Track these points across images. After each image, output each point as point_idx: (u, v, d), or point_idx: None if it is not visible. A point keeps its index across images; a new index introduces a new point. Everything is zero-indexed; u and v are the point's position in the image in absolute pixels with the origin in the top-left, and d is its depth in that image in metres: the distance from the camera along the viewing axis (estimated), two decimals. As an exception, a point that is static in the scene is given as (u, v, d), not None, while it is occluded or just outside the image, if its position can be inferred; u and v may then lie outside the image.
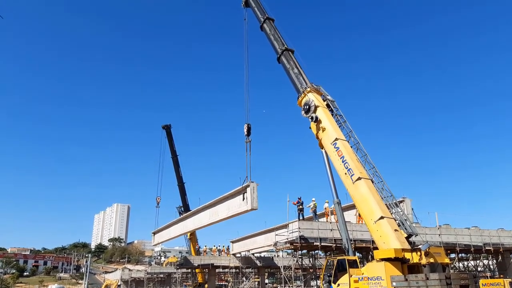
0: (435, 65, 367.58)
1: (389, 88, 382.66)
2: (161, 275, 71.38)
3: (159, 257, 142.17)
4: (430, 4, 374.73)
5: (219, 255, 53.16)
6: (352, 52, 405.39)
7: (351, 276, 16.06)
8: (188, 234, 49.26)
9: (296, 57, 23.47)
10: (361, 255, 25.68)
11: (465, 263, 37.80)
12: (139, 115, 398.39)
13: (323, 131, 19.60)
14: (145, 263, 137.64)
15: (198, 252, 53.13)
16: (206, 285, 48.32)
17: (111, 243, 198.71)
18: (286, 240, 24.10)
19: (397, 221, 16.55)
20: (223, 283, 63.66)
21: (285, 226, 25.19)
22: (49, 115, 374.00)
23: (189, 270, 52.79)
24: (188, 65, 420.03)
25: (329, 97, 20.83)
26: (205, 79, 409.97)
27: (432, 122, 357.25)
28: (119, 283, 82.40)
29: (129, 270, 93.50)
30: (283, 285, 33.68)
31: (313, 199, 27.20)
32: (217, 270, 50.01)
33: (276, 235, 25.93)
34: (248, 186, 21.81)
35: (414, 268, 15.17)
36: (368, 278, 15.23)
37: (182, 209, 50.17)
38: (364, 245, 24.03)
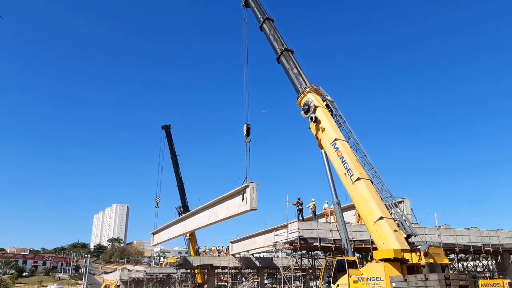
0: (435, 65, 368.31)
1: (389, 88, 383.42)
2: (161, 276, 71.31)
3: (158, 258, 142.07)
4: (430, 4, 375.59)
5: (218, 256, 53.16)
6: (352, 52, 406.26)
7: (350, 276, 16.07)
8: (188, 234, 49.23)
9: (295, 57, 23.49)
10: (360, 256, 25.70)
11: (465, 263, 37.85)
12: (139, 115, 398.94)
13: (322, 131, 19.60)
14: (145, 264, 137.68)
15: (197, 253, 53.11)
16: (206, 286, 48.28)
17: (110, 243, 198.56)
18: (286, 240, 24.09)
19: (396, 221, 16.55)
20: (223, 283, 63.58)
21: (285, 227, 25.17)
22: (49, 115, 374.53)
23: (189, 271, 52.76)
24: (188, 65, 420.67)
25: (328, 98, 20.84)
26: (205, 79, 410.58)
27: (432, 122, 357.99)
28: (118, 284, 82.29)
29: (128, 270, 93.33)
30: (282, 286, 33.66)
31: (313, 199, 27.26)
32: (216, 271, 49.97)
33: (276, 235, 25.91)
34: (247, 186, 21.81)
35: (413, 269, 15.17)
36: (368, 278, 15.23)
37: (182, 209, 50.13)
38: (363, 245, 24.03)
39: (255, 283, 51.15)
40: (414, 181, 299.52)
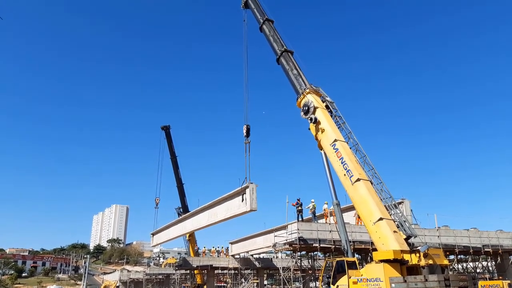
0: (435, 65, 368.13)
1: (389, 88, 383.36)
2: (160, 276, 71.20)
3: (158, 258, 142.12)
4: (430, 4, 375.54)
5: (218, 256, 53.11)
6: (352, 52, 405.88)
7: (350, 277, 16.06)
8: (187, 235, 49.23)
9: (295, 58, 23.54)
10: (360, 257, 25.69)
11: (464, 264, 37.80)
12: (139, 115, 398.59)
13: (322, 132, 19.62)
14: (144, 264, 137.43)
15: (197, 253, 53.09)
16: (205, 287, 48.28)
17: (110, 244, 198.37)
18: (285, 241, 24.04)
19: (396, 222, 16.56)
20: (222, 284, 63.50)
21: (284, 227, 25.14)
22: (49, 115, 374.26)
23: (188, 271, 52.73)
24: (188, 65, 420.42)
25: (328, 98, 20.86)
26: (205, 79, 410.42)
27: (432, 123, 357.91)
28: (117, 284, 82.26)
29: (128, 271, 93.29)
30: (282, 287, 33.61)
31: (312, 200, 27.22)
32: (216, 271, 49.88)
33: (275, 236, 25.88)
34: (247, 187, 21.80)
35: (413, 270, 15.19)
36: (367, 279, 15.23)
37: (181, 210, 50.17)
38: (363, 246, 24.01)
39: (255, 284, 51.09)
40: (413, 182, 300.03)
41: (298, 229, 23.20)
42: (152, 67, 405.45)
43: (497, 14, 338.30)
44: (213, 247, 57.47)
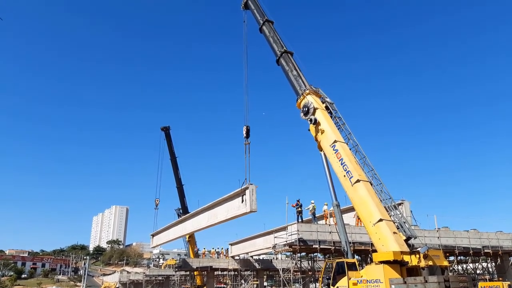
0: (435, 65, 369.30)
1: (389, 88, 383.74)
2: (160, 278, 71.06)
3: (157, 259, 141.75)
4: (430, 4, 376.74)
5: (217, 258, 53.05)
6: (352, 52, 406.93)
7: (350, 278, 16.05)
8: (187, 236, 49.15)
9: (295, 59, 23.56)
10: (360, 258, 25.64)
11: (464, 265, 37.75)
12: (139, 115, 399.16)
13: (322, 133, 19.62)
14: (144, 266, 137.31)
15: (196, 255, 53.02)
16: (205, 288, 48.22)
17: (110, 245, 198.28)
18: (285, 242, 24.03)
19: (396, 223, 16.53)
20: (222, 285, 63.41)
21: (284, 229, 25.12)
22: (49, 115, 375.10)
23: (188, 273, 52.67)
24: (188, 65, 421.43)
25: (328, 99, 20.86)
26: (205, 79, 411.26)
27: (432, 123, 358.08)
28: (117, 286, 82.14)
29: (128, 272, 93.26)
30: (281, 288, 33.63)
31: (312, 201, 27.20)
32: (215, 273, 49.85)
33: (275, 237, 25.87)
34: (247, 188, 21.79)
35: (413, 271, 15.15)
36: (367, 280, 15.21)
37: (181, 211, 50.12)
38: (363, 247, 23.98)
39: (255, 285, 51.03)
40: (413, 183, 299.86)
41: (298, 230, 23.18)
42: (152, 67, 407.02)
43: (497, 14, 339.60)
44: (213, 248, 57.41)
